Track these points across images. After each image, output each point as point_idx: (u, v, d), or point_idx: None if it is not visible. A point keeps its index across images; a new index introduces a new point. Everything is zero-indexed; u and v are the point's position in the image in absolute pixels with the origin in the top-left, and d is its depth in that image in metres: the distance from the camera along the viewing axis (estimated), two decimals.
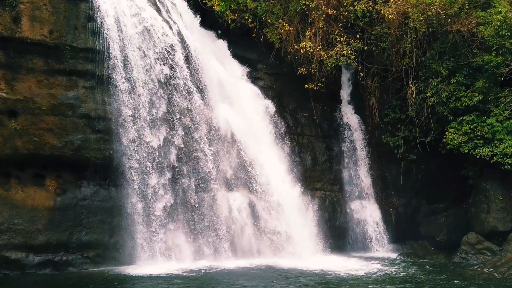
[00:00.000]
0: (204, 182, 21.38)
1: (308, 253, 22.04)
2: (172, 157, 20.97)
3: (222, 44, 24.86)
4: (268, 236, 22.08)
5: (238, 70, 24.76)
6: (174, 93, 21.15)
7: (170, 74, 21.14)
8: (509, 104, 23.13)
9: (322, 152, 26.15)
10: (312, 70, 24.54)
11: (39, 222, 19.14)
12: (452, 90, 24.18)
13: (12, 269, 18.71)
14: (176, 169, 21.05)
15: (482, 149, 23.40)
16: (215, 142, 21.92)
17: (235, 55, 24.80)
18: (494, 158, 23.18)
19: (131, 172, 20.25)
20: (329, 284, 17.28)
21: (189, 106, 21.36)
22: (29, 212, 19.05)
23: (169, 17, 22.17)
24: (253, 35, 25.05)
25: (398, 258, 23.90)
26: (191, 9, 23.90)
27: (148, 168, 20.39)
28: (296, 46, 24.50)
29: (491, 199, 23.89)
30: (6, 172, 19.15)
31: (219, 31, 24.99)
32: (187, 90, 21.37)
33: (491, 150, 23.26)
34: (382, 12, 24.55)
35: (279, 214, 22.30)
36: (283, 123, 24.80)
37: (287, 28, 24.53)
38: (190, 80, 21.49)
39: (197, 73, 21.73)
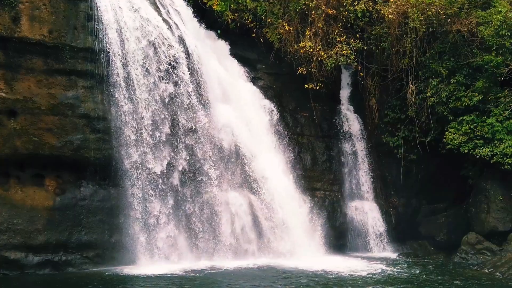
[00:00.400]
0: (208, 207, 21.22)
1: (308, 253, 22.03)
2: (175, 181, 20.82)
3: (222, 44, 24.78)
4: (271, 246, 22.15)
5: (238, 70, 24.69)
6: (178, 112, 20.91)
7: (174, 92, 20.89)
8: (509, 104, 23.12)
9: (322, 152, 26.11)
10: (312, 70, 24.52)
11: (38, 222, 19.08)
12: (452, 90, 24.17)
13: (12, 269, 18.65)
14: (180, 195, 20.93)
15: (482, 149, 23.38)
16: (219, 162, 21.75)
17: (234, 55, 24.75)
18: (494, 158, 23.16)
19: (133, 199, 20.08)
20: (331, 284, 17.23)
21: (194, 126, 21.18)
22: (28, 212, 18.99)
23: (170, 18, 22.01)
24: (252, 35, 25.01)
25: (398, 258, 23.90)
26: (195, 16, 23.82)
27: (151, 197, 20.23)
28: (295, 46, 24.48)
29: (491, 199, 23.89)
30: (6, 172, 19.08)
31: (219, 31, 24.92)
32: (191, 107, 21.19)
33: (491, 150, 23.24)
34: (382, 12, 24.54)
35: (283, 231, 22.24)
36: (282, 123, 24.75)
37: (287, 28, 24.50)
38: (195, 97, 21.28)
39: (199, 87, 21.48)
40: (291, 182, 23.55)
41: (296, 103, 26.01)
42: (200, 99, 21.43)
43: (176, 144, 20.84)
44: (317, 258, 21.65)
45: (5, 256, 18.55)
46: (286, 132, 24.74)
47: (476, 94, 23.59)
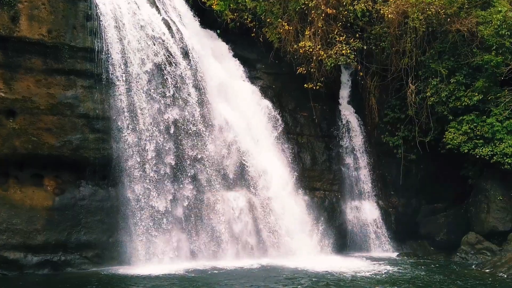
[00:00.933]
0: (216, 242, 21.14)
1: (309, 253, 22.02)
2: (179, 213, 20.78)
3: (222, 44, 24.74)
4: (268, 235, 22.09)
5: (237, 70, 24.63)
6: (183, 141, 20.86)
7: (181, 120, 20.87)
8: (509, 103, 23.07)
9: (322, 152, 26.07)
10: (312, 70, 24.48)
11: (37, 222, 19.01)
12: (451, 89, 24.11)
13: (11, 269, 18.55)
14: (185, 233, 20.89)
15: (482, 148, 23.32)
16: (226, 190, 21.82)
17: (234, 55, 24.71)
18: (494, 157, 23.10)
19: (136, 233, 20.02)
20: (332, 285, 17.15)
21: (199, 155, 21.09)
22: (27, 212, 18.93)
23: (170, 18, 21.94)
24: (252, 35, 24.97)
25: (398, 258, 23.88)
26: (203, 28, 24.01)
27: (153, 238, 20.08)
28: (295, 46, 24.44)
29: (491, 199, 23.83)
30: (5, 172, 19.01)
31: (218, 31, 24.88)
32: (196, 133, 21.12)
33: (491, 149, 23.18)
34: (381, 11, 24.48)
35: (283, 231, 22.21)
36: (282, 123, 24.69)
37: (286, 27, 24.45)
38: (201, 122, 21.28)
39: (203, 107, 21.47)
40: (291, 182, 23.50)
41: (296, 103, 25.97)
42: (208, 124, 21.47)
43: (181, 180, 20.85)
44: (318, 259, 21.59)
45: (4, 256, 18.46)
46: (285, 132, 24.68)
47: (476, 94, 23.54)
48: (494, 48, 22.87)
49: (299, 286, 16.86)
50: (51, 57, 19.29)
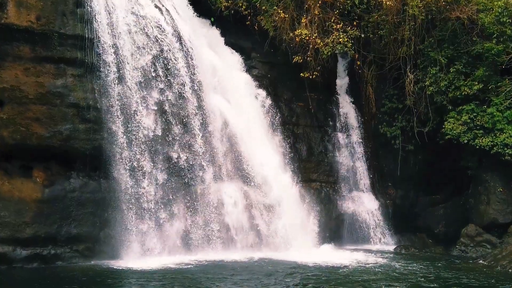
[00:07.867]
0: (210, 235, 20.83)
1: (305, 246, 21.69)
2: (172, 205, 20.38)
3: (216, 32, 24.32)
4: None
5: (232, 59, 24.22)
6: (177, 131, 20.47)
7: (174, 109, 20.43)
8: (509, 93, 22.77)
9: (318, 142, 25.70)
10: (308, 59, 24.05)
11: (26, 215, 18.49)
12: (451, 79, 23.72)
13: None
14: (178, 226, 20.50)
15: (482, 139, 22.95)
16: (220, 182, 21.45)
17: (228, 43, 24.31)
18: (494, 148, 22.74)
19: (128, 226, 19.60)
20: (328, 277, 16.84)
21: (193, 145, 20.72)
22: (16, 205, 18.40)
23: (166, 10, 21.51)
24: (247, 23, 24.52)
25: (395, 250, 23.63)
26: (198, 16, 23.57)
27: (146, 231, 19.67)
28: (291, 34, 23.99)
29: (491, 190, 23.48)
30: None
31: (212, 19, 24.44)
32: (189, 123, 20.72)
33: (491, 140, 22.82)
34: None
35: (279, 223, 21.87)
36: (277, 113, 24.30)
37: (282, 15, 23.99)
38: (195, 112, 20.92)
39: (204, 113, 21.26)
40: (286, 173, 23.13)
41: (292, 92, 25.58)
42: (198, 111, 21.08)
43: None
44: (314, 251, 21.39)
45: None
46: (281, 122, 24.31)
47: (476, 83, 23.16)
48: (494, 36, 22.54)
49: (295, 279, 16.54)
50: (40, 44, 18.75)
